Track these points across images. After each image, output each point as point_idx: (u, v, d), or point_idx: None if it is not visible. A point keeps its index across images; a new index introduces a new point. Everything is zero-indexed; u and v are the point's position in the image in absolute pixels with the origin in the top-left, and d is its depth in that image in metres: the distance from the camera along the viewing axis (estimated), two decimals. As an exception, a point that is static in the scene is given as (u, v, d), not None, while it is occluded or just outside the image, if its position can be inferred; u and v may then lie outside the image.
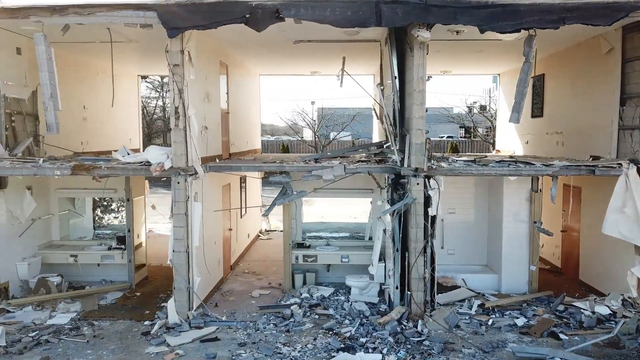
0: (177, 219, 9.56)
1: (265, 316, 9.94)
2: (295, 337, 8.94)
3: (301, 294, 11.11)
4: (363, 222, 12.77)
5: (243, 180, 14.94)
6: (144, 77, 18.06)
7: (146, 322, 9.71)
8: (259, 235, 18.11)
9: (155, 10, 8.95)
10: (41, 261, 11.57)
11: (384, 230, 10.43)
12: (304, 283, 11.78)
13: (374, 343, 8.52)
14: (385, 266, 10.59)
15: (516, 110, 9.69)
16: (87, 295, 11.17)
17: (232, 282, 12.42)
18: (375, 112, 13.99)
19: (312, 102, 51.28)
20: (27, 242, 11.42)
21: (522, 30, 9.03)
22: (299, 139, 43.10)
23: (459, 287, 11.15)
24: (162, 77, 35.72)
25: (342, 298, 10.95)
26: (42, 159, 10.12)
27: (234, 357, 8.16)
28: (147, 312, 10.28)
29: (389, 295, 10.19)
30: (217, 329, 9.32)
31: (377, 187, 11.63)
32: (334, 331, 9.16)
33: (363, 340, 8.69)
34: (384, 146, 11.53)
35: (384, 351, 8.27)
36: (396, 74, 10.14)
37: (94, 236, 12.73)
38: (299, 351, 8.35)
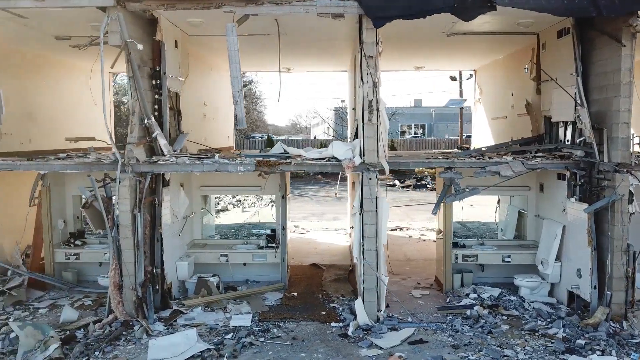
0: (368, 216, 9.21)
1: (451, 317, 9.59)
2: (504, 339, 8.59)
3: (467, 294, 10.74)
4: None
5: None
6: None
7: (333, 324, 9.35)
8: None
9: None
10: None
11: (564, 228, 10.10)
12: (462, 283, 11.41)
13: (598, 345, 8.17)
14: (561, 266, 10.27)
15: None
16: (246, 296, 10.81)
17: (380, 282, 12.05)
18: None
19: (342, 101, 51.32)
20: (180, 242, 11.08)
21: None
22: (313, 138, 43.18)
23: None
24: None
25: (514, 298, 10.58)
26: (217, 155, 9.78)
27: (462, 361, 7.82)
28: (323, 312, 9.93)
29: (576, 296, 9.83)
30: (415, 330, 8.97)
31: (532, 185, 11.29)
32: (540, 333, 8.81)
33: (581, 342, 8.33)
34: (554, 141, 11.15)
35: (613, 353, 7.93)
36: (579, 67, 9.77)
37: (235, 235, 12.42)
38: (525, 354, 8.00)
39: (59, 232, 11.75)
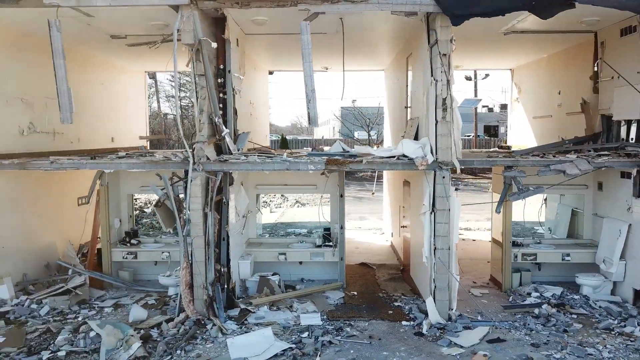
0: (441, 215, 9.19)
1: (520, 316, 9.58)
2: (581, 337, 8.57)
3: (529, 293, 10.72)
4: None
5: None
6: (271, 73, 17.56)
7: (404, 323, 9.33)
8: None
9: (436, -3, 8.60)
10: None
11: (629, 227, 10.09)
12: (520, 282, 11.38)
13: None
14: (625, 264, 10.25)
15: None
16: (307, 294, 10.79)
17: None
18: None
19: (354, 100, 51.38)
20: (240, 240, 11.07)
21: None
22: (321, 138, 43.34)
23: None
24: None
25: (577, 297, 10.56)
26: (285, 153, 9.76)
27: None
28: (390, 311, 9.91)
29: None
30: (490, 329, 8.95)
31: (589, 183, 11.27)
32: (616, 331, 8.79)
33: (663, 340, 8.32)
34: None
35: None
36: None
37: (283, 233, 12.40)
38: (609, 352, 7.98)
39: (115, 231, 11.74)
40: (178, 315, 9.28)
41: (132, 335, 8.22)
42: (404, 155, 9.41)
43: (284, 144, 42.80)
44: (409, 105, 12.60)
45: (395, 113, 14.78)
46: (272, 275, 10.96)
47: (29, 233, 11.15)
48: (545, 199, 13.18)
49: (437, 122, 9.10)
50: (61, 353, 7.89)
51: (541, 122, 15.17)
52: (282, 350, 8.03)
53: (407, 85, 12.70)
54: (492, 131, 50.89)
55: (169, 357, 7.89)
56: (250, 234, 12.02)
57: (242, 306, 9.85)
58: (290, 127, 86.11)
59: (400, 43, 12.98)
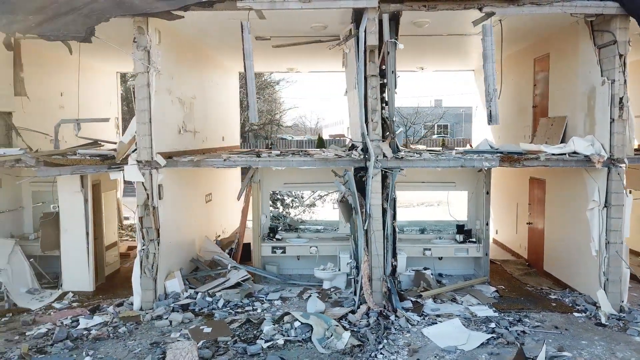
0: (616, 210, 9.51)
1: (683, 308, 9.90)
2: None
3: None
4: None
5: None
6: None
7: (576, 314, 9.64)
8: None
9: (621, -1, 8.92)
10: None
11: None
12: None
13: None
14: None
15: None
16: (459, 289, 11.10)
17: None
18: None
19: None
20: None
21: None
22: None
23: None
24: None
25: None
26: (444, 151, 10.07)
27: None
28: (554, 304, 10.22)
29: None
30: (666, 320, 9.27)
31: None
32: None
33: None
34: None
35: None
36: None
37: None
38: None
39: (262, 227, 12.08)
40: (358, 308, 9.61)
41: (337, 325, 8.55)
42: (575, 153, 9.73)
43: (320, 143, 43.37)
44: (535, 105, 12.95)
45: (507, 112, 15.06)
46: (424, 269, 11.29)
47: (179, 228, 11.48)
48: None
49: (612, 120, 9.41)
50: (280, 342, 8.22)
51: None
52: (487, 340, 8.35)
53: (534, 85, 13.01)
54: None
55: (380, 345, 8.22)
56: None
57: (412, 299, 10.17)
58: (293, 128, 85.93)
59: (519, 44, 13.26)
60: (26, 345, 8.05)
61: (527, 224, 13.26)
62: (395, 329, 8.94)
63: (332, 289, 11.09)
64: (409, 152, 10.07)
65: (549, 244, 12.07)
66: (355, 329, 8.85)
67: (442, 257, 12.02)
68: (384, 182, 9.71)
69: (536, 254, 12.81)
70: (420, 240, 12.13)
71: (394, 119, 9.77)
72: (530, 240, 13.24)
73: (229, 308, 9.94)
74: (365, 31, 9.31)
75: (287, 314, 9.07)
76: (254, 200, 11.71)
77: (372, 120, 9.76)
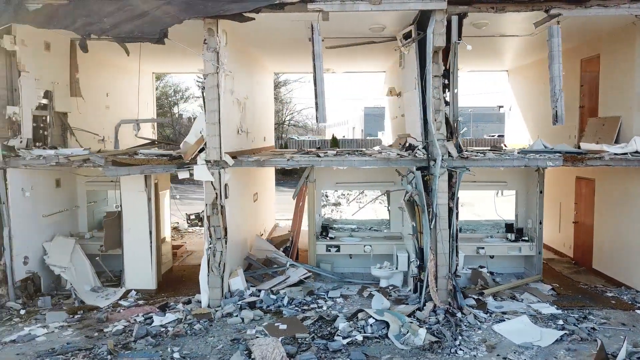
0: (678, 208, 9.68)
1: None
2: None
3: None
4: None
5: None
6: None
7: (638, 311, 9.79)
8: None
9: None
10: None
11: None
12: None
13: None
14: None
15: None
16: (515, 287, 11.24)
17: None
18: None
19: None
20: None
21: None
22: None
23: None
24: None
25: None
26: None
27: None
28: (613, 301, 10.35)
29: None
30: None
31: None
32: None
33: None
34: None
35: None
36: None
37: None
38: None
39: (316, 225, 12.23)
40: (424, 305, 9.76)
41: (412, 322, 8.71)
42: (637, 152, 9.88)
43: (334, 143, 43.61)
44: (582, 105, 13.10)
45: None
46: (480, 268, 11.45)
47: (238, 226, 11.64)
48: None
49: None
50: (359, 338, 8.38)
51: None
52: (560, 336, 8.50)
53: (581, 86, 13.14)
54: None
55: (457, 342, 8.38)
56: (439, 229, 12.47)
57: (474, 296, 10.32)
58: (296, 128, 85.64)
59: (564, 45, 13.35)
60: (112, 342, 8.20)
61: (574, 222, 13.40)
62: (465, 325, 9.09)
63: (389, 287, 11.24)
64: (472, 151, 10.21)
65: (599, 242, 12.21)
66: (427, 326, 9.00)
67: (493, 256, 12.17)
68: (450, 182, 9.86)
69: (584, 253, 12.95)
70: (473, 239, 12.28)
71: (459, 119, 9.91)
72: (576, 239, 13.38)
73: (294, 305, 10.09)
74: (433, 32, 9.46)
75: (361, 310, 9.21)
76: (309, 200, 11.86)
77: (435, 120, 9.91)
